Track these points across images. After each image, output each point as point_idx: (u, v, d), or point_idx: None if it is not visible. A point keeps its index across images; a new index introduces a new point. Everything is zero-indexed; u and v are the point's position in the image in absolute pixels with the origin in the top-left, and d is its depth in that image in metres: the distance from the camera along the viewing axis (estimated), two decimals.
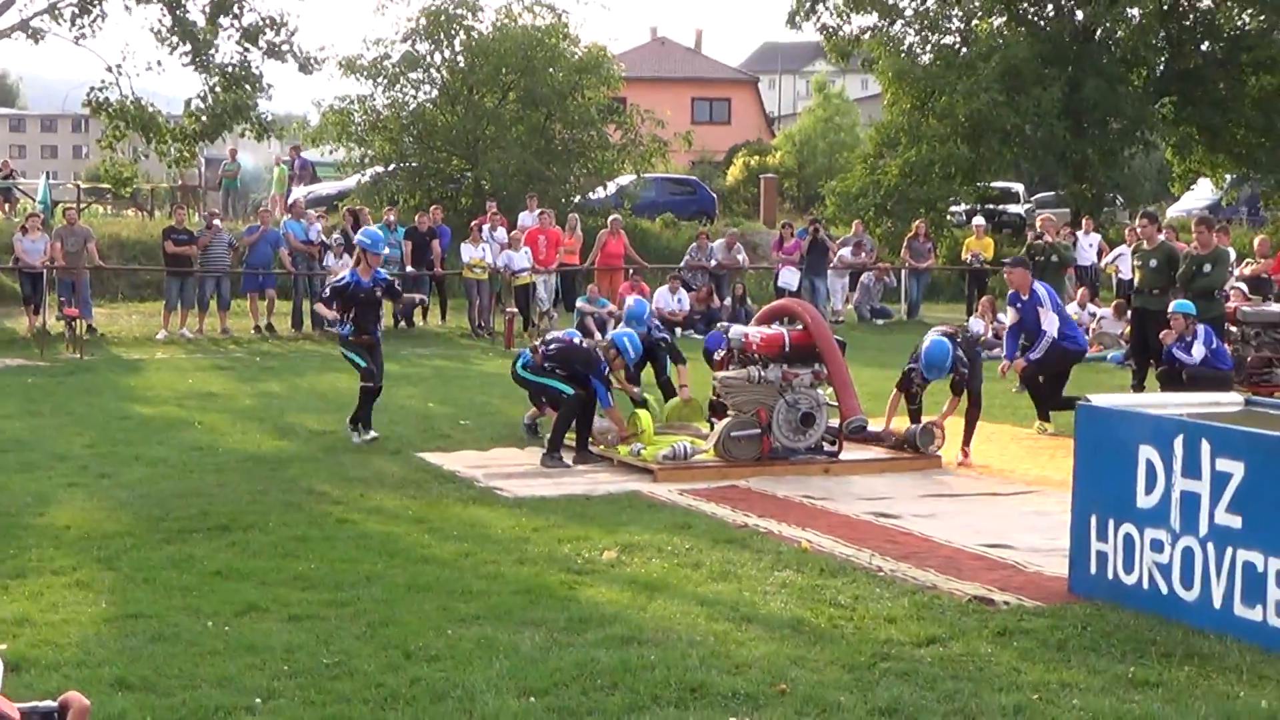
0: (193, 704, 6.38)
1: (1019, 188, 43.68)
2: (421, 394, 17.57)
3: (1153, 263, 17.58)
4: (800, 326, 13.39)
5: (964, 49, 37.73)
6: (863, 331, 26.46)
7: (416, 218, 28.16)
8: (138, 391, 18.00)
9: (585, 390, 13.29)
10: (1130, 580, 8.13)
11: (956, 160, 35.63)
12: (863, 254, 31.04)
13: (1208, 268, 17.09)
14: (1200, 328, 16.02)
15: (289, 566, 8.94)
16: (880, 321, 29.73)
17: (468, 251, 26.88)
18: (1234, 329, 18.13)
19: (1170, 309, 16.28)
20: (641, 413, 13.91)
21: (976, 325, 23.61)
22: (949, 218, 37.21)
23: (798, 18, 39.03)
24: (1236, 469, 7.51)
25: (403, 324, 26.51)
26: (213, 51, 30.88)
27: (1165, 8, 37.16)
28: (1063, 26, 37.57)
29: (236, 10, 30.88)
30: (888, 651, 7.28)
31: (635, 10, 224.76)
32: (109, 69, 30.78)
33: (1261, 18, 37.22)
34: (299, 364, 21.27)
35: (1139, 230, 18.91)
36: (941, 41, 38.72)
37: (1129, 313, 19.80)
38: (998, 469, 13.28)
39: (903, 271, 31.29)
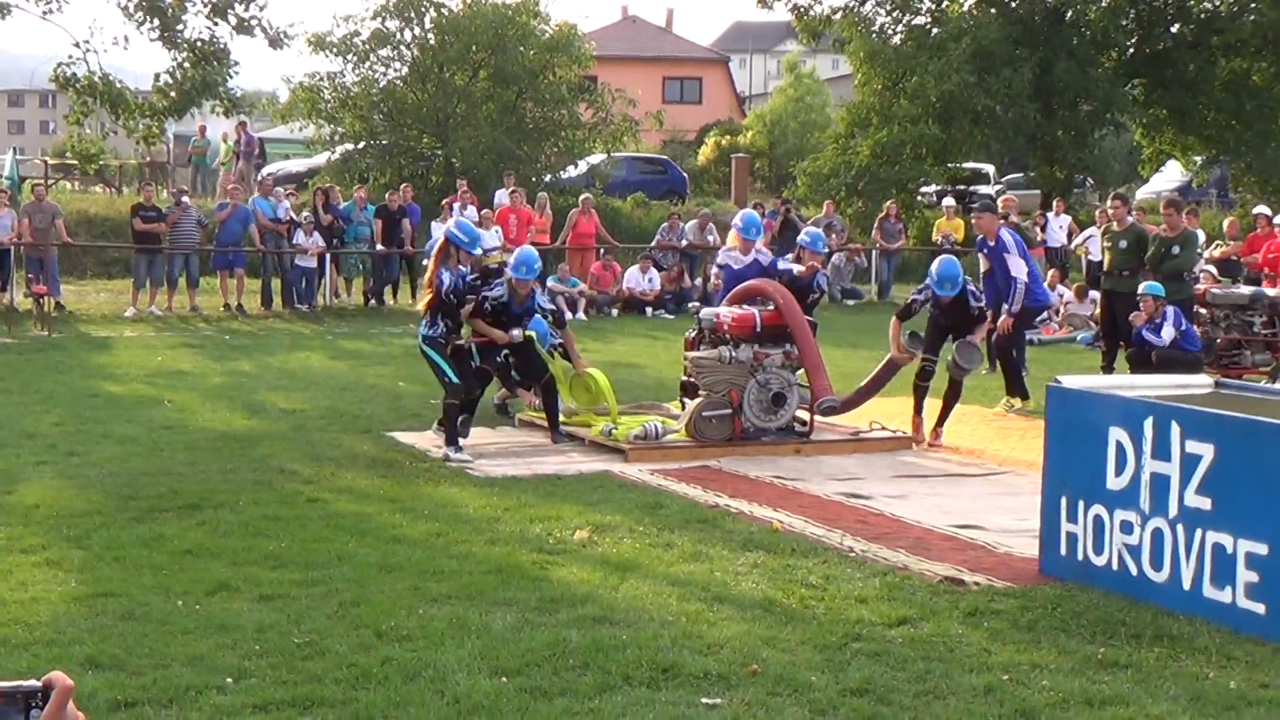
0: (164, 683, 6.36)
1: (989, 169, 43.74)
2: (392, 373, 17.52)
3: (1122, 244, 17.64)
4: (771, 307, 13.39)
5: (935, 30, 37.73)
6: (833, 312, 26.47)
7: (387, 196, 28.05)
8: (107, 369, 17.90)
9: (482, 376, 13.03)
10: (1100, 561, 8.17)
11: (927, 141, 35.64)
12: (833, 235, 31.06)
13: (1176, 250, 17.16)
14: (1170, 309, 16.08)
15: (260, 546, 8.91)
16: (851, 302, 29.81)
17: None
18: (1203, 311, 18.22)
19: (1140, 290, 16.34)
20: (593, 372, 13.83)
21: None
22: (920, 198, 37.26)
23: None
24: (1206, 451, 7.55)
25: (373, 302, 26.46)
26: (181, 26, 30.68)
27: None
28: (1033, 8, 37.59)
29: None
30: (859, 632, 7.30)
31: None
32: (76, 44, 30.58)
33: (1232, 0, 37.33)
34: (268, 342, 21.19)
35: (1110, 212, 18.98)
36: (913, 22, 38.72)
37: (1098, 294, 19.88)
38: (968, 449, 13.31)
39: (873, 252, 31.33)
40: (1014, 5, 37.99)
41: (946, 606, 7.79)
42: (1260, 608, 7.29)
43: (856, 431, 13.71)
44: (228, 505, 10.06)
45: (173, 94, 30.84)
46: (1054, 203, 31.89)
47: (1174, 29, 38.34)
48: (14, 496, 10.31)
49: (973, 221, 16.06)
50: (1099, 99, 36.56)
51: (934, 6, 38.78)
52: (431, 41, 35.44)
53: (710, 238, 29.78)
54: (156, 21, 30.34)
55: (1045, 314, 21.53)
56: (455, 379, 12.43)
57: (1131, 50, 38.24)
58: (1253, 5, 36.63)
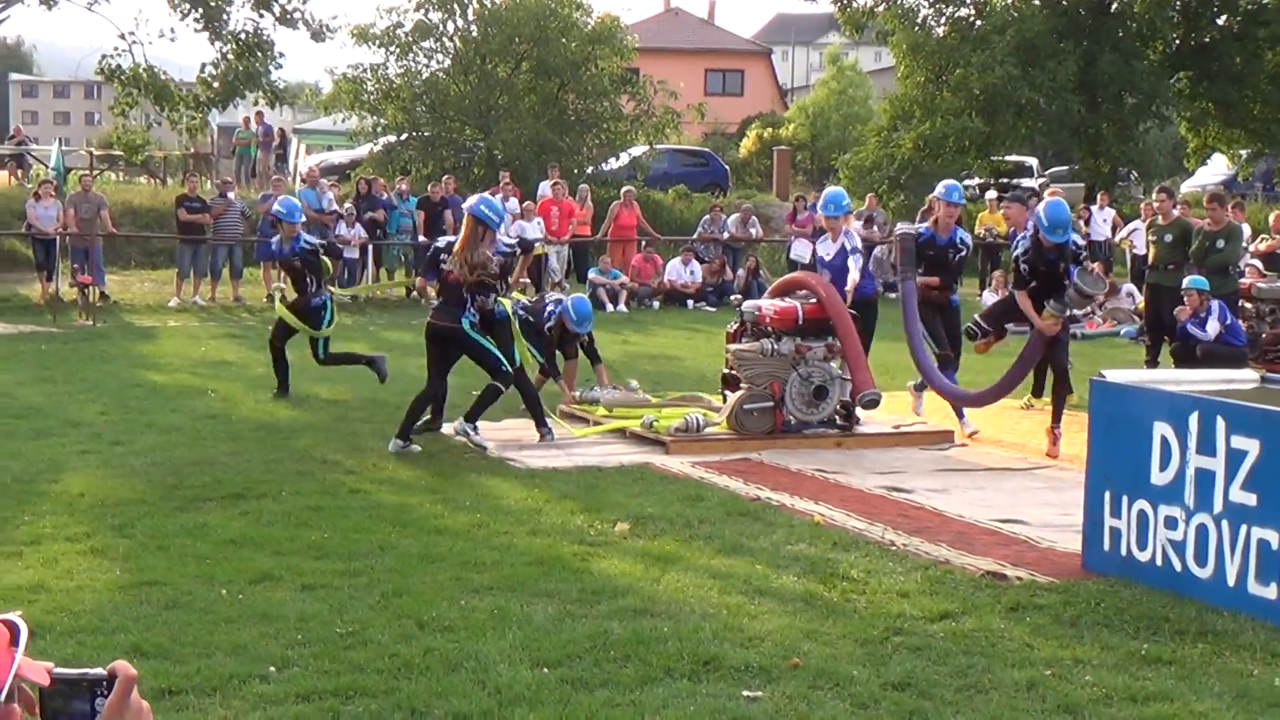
0: (207, 671, 6.40)
1: (1033, 162, 43.54)
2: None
3: (1168, 238, 17.52)
4: (814, 300, 13.34)
5: (979, 22, 37.57)
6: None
7: (429, 187, 28.14)
8: (150, 359, 18.02)
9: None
10: (1144, 557, 8.13)
11: (970, 134, 35.50)
12: (875, 228, 30.95)
13: (1221, 244, 17.04)
14: (1215, 304, 15.98)
15: (302, 536, 8.95)
16: (893, 295, 29.61)
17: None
18: (1248, 305, 18.09)
19: (1184, 285, 16.23)
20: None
21: (990, 300, 23.54)
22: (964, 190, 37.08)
23: None
24: (1252, 446, 7.50)
25: (414, 294, 26.50)
26: (225, 18, 30.83)
27: None
28: (1078, 0, 37.40)
29: None
30: (900, 626, 7.28)
31: None
32: (121, 36, 30.76)
33: None
34: None
35: (1155, 205, 18.85)
36: (956, 14, 38.55)
37: (1132, 287, 19.74)
38: (1010, 444, 13.25)
39: None
40: None
41: (988, 601, 7.75)
42: None
43: (897, 425, 13.67)
44: (270, 495, 10.11)
45: (216, 85, 31.00)
46: (1098, 196, 31.70)
47: (1220, 21, 38.09)
48: (59, 485, 10.38)
49: (1002, 213, 15.85)
50: (1144, 92, 36.35)
51: None
52: (474, 33, 35.49)
53: (753, 230, 29.74)
54: (201, 12, 30.49)
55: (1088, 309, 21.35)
56: (507, 366, 12.36)
57: (1177, 43, 37.99)
58: None
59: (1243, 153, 39.84)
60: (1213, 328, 15.79)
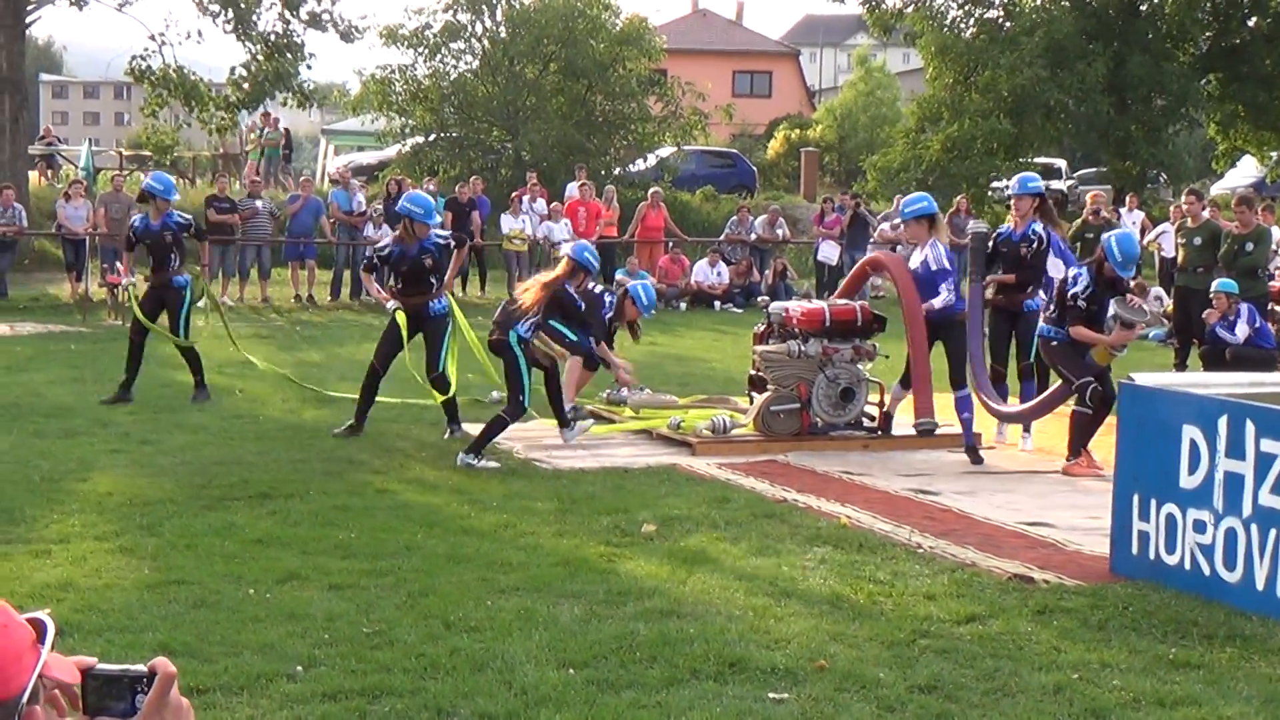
0: (235, 670, 6.42)
1: (1061, 164, 43.39)
2: (460, 365, 17.54)
3: (1196, 241, 17.47)
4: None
5: (1007, 23, 37.46)
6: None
7: (457, 188, 28.18)
8: (178, 359, 18.01)
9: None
10: (1172, 561, 8.09)
11: (999, 135, 35.38)
12: (902, 229, 30.86)
13: (1250, 246, 16.99)
14: (1244, 306, 15.92)
15: (329, 535, 8.98)
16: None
17: (507, 223, 26.92)
18: (1278, 308, 18.01)
19: (1213, 288, 16.17)
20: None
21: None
22: (991, 193, 36.99)
23: None
24: None
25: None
26: (254, 19, 30.94)
27: None
28: (1108, 1, 37.26)
29: None
30: (927, 629, 7.26)
31: None
32: (151, 37, 30.90)
33: None
34: (338, 333, 21.34)
35: (1184, 208, 18.78)
36: (985, 16, 38.44)
37: (1161, 290, 19.65)
38: (1037, 446, 13.21)
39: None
40: None
41: (1016, 604, 7.73)
42: None
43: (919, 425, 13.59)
44: (298, 495, 10.13)
45: (246, 86, 31.11)
46: (1127, 198, 31.56)
47: (1250, 23, 37.88)
48: (88, 484, 10.43)
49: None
50: (1173, 94, 36.17)
51: (1007, 0, 38.51)
52: (502, 34, 35.58)
53: (780, 232, 29.71)
54: (230, 14, 30.61)
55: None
56: (527, 400, 11.89)
57: (1207, 44, 37.80)
58: None
59: (1273, 155, 39.61)
60: (1242, 331, 15.73)
